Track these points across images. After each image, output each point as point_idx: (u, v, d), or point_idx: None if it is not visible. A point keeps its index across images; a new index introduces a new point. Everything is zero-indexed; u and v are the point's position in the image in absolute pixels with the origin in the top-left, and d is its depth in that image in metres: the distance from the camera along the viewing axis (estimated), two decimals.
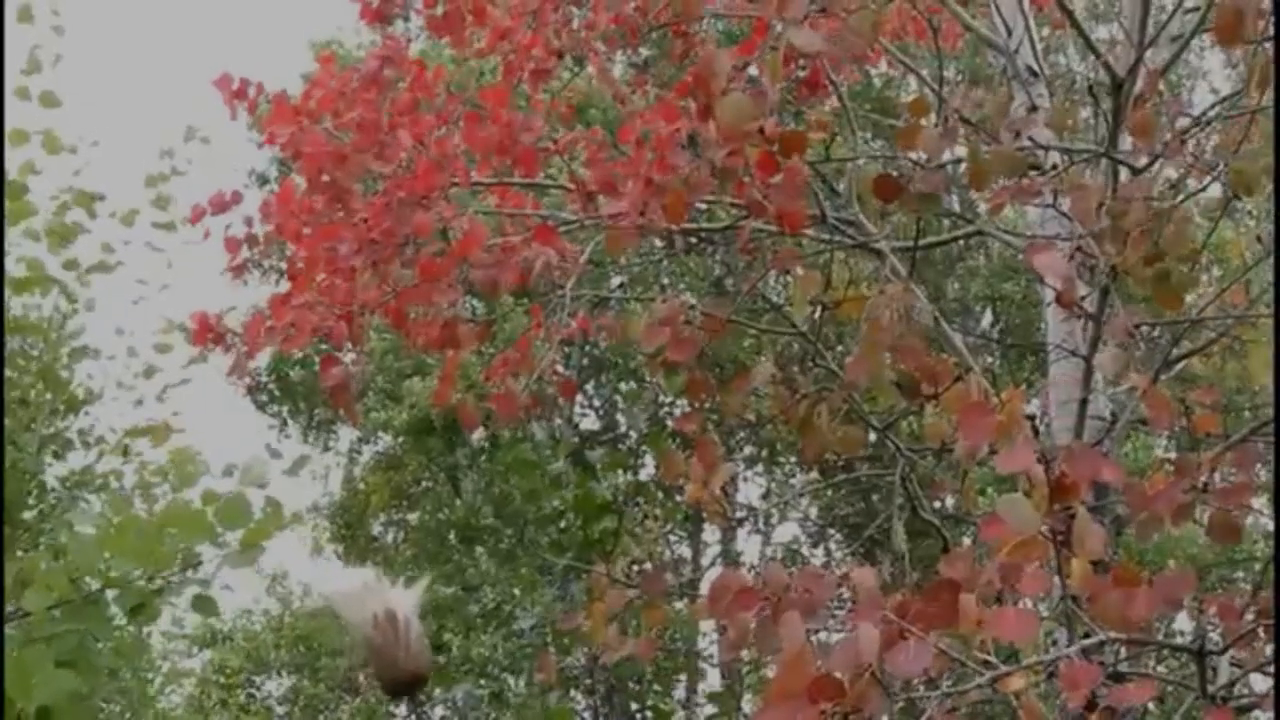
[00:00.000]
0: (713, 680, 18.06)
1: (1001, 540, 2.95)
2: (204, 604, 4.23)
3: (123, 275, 8.20)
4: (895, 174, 4.32)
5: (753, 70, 4.56)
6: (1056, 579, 3.23)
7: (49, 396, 8.09)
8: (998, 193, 4.17)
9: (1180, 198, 4.50)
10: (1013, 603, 2.96)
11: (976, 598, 2.85)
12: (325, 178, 4.96)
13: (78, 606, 4.01)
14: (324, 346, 5.47)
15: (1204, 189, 4.62)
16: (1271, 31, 3.89)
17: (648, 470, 17.99)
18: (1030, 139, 4.39)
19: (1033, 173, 4.47)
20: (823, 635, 3.47)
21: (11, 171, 6.89)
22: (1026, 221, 6.29)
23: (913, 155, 4.58)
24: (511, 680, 15.35)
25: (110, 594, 4.07)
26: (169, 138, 8.55)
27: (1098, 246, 3.87)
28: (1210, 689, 3.50)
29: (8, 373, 7.49)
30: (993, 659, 3.10)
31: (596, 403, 17.66)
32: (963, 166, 4.45)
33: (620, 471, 15.68)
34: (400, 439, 16.18)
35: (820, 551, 17.75)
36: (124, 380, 8.85)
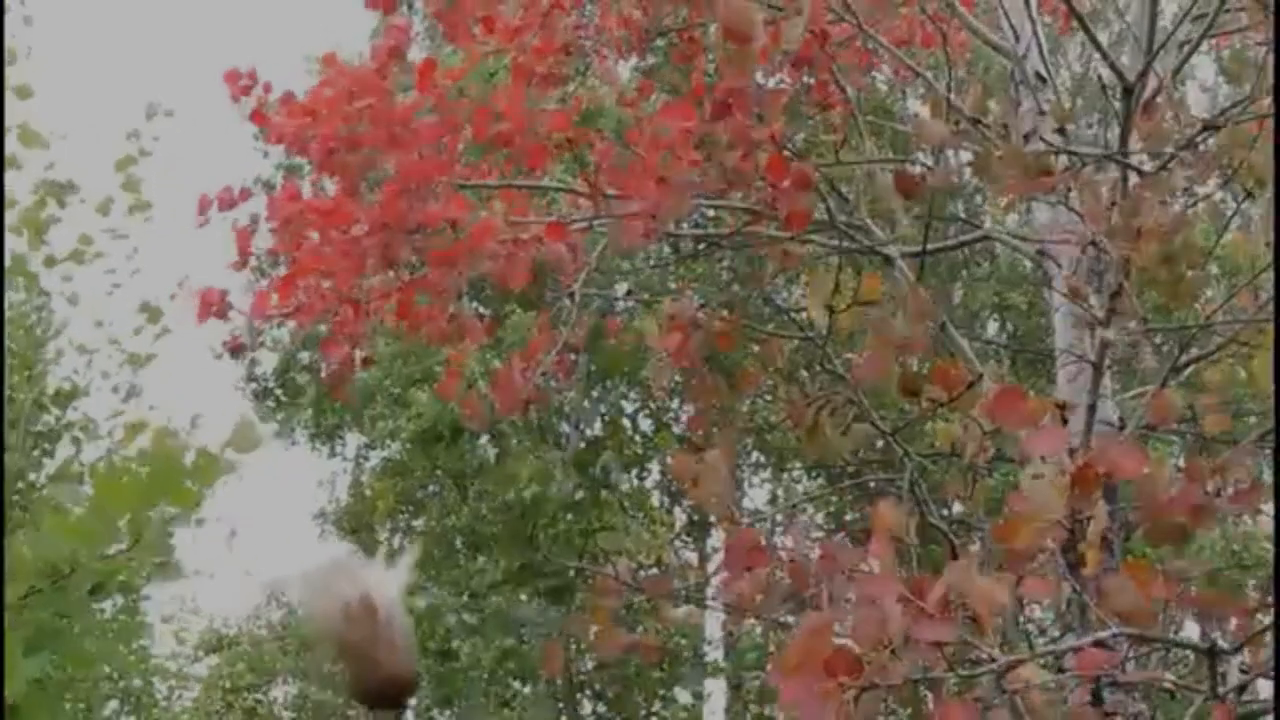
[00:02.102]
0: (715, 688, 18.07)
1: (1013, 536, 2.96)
2: (165, 570, 4.10)
3: (98, 266, 8.20)
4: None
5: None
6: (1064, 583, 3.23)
7: (34, 393, 8.08)
8: (1008, 186, 4.17)
9: (1191, 201, 4.50)
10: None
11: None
12: (335, 167, 4.92)
13: (48, 593, 3.93)
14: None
15: (1219, 188, 4.62)
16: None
17: (653, 476, 18.01)
18: (1042, 139, 4.39)
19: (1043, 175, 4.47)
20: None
21: None
22: (1034, 227, 6.28)
23: (921, 158, 4.59)
24: (518, 684, 15.35)
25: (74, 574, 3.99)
26: (136, 120, 8.55)
27: (1109, 245, 3.88)
28: (1219, 691, 3.49)
29: None
30: (998, 654, 3.10)
31: (602, 408, 17.66)
32: (970, 173, 4.45)
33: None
34: (408, 446, 16.20)
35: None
36: (108, 370, 8.86)
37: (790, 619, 3.50)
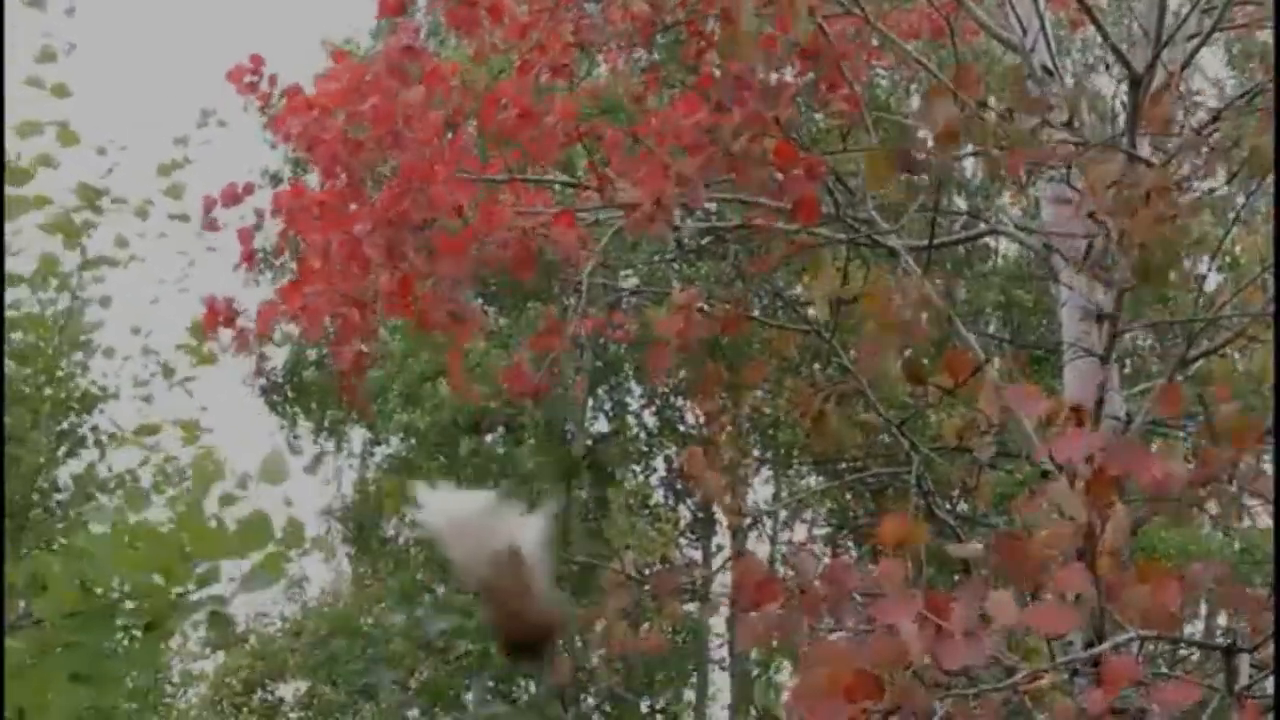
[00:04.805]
0: (720, 683, 18.08)
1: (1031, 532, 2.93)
2: (219, 622, 4.08)
3: (143, 274, 8.16)
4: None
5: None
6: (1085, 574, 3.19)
7: (59, 394, 8.05)
8: (1014, 162, 4.13)
9: (1195, 192, 4.48)
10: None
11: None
12: (340, 168, 4.92)
13: (92, 617, 3.89)
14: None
15: (1229, 179, 4.60)
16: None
17: (658, 473, 18.01)
18: (1048, 123, 4.37)
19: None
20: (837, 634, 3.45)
21: (24, 163, 6.85)
22: (1041, 222, 6.28)
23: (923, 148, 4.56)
24: (522, 682, 15.34)
25: (128, 604, 3.95)
26: (183, 126, 8.50)
27: (1112, 225, 3.86)
28: (1234, 689, 3.46)
29: (16, 369, 7.48)
30: (1012, 658, 3.07)
31: (607, 405, 17.65)
32: (974, 167, 4.43)
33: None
34: (413, 441, 16.18)
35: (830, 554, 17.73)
36: (140, 377, 8.81)
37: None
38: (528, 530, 2.37)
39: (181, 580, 3.89)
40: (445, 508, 2.44)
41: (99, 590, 3.90)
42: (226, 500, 3.95)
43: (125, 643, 4.23)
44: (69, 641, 3.84)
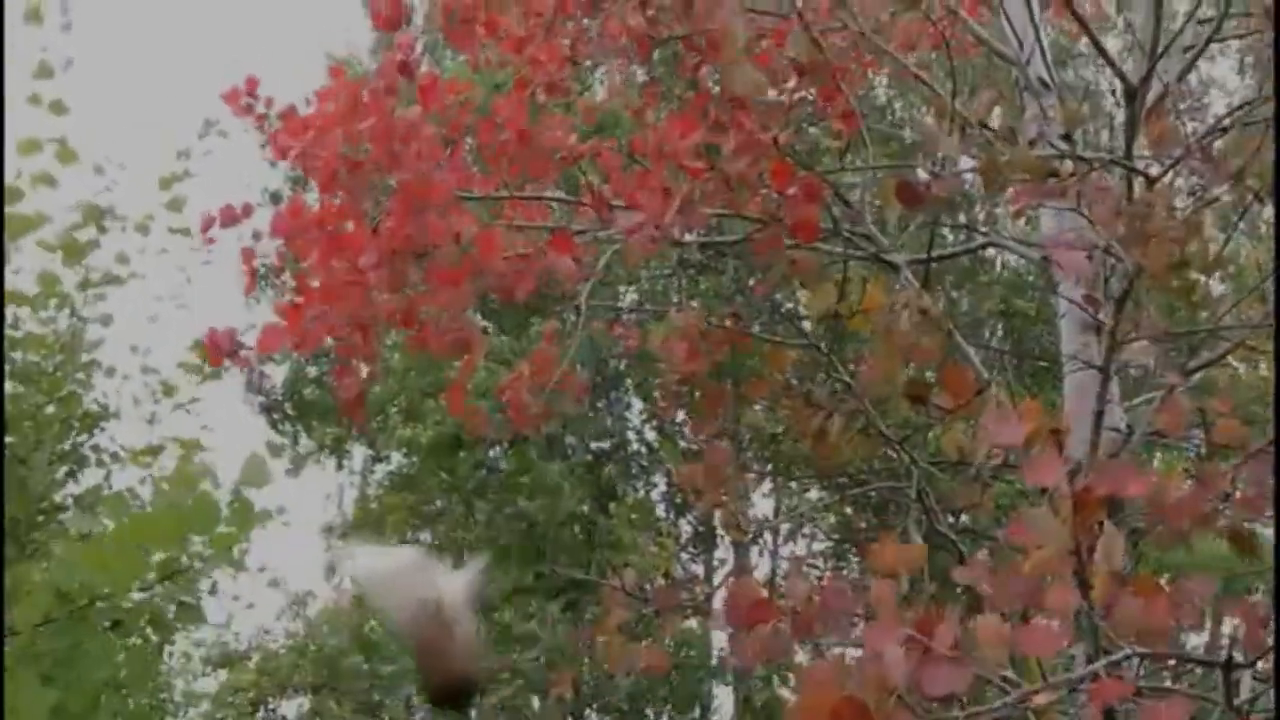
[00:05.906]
0: (722, 696, 18.04)
1: (1026, 552, 2.92)
2: (188, 612, 4.10)
3: (141, 290, 8.13)
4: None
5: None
6: (1074, 595, 3.18)
7: (61, 414, 8.02)
8: (1018, 194, 4.14)
9: (1200, 205, 4.47)
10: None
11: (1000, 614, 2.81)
12: (338, 186, 4.91)
13: (64, 623, 3.89)
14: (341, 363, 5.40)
15: (1226, 192, 4.59)
16: None
17: (659, 489, 17.99)
18: (1050, 143, 4.36)
19: (1050, 180, 4.45)
20: (837, 650, 3.44)
21: (25, 181, 6.83)
22: (1040, 232, 6.26)
23: (926, 166, 4.56)
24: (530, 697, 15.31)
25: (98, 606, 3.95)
26: (183, 139, 8.47)
27: (1122, 251, 3.84)
28: (1235, 703, 3.44)
29: (18, 389, 7.45)
30: (1012, 676, 3.05)
31: (608, 420, 17.63)
32: (975, 180, 4.43)
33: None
34: (414, 458, 16.15)
35: (830, 568, 17.71)
36: (140, 397, 8.78)
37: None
38: (453, 584, 2.48)
39: (141, 574, 3.89)
40: (373, 562, 2.60)
41: (74, 598, 3.91)
42: (201, 500, 3.93)
43: (112, 647, 4.23)
44: (40, 650, 3.84)
